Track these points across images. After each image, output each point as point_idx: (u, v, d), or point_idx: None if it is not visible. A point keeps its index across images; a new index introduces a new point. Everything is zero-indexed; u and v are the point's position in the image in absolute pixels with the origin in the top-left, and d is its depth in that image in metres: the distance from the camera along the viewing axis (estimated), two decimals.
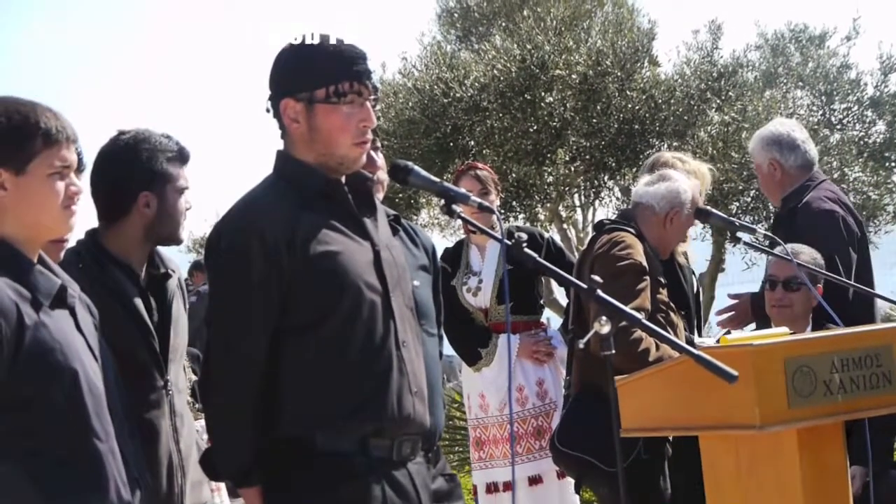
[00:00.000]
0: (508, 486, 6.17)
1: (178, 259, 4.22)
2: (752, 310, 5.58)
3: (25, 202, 2.90)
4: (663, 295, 4.94)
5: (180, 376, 3.73)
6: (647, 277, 4.82)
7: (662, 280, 4.97)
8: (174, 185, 3.74)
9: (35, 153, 2.89)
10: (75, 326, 2.94)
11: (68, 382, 2.84)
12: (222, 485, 5.90)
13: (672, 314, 4.96)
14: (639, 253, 4.86)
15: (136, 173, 3.69)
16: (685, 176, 5.23)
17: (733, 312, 5.69)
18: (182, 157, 3.78)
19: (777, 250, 5.05)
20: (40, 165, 2.90)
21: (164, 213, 3.71)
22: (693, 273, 5.69)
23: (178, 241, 3.80)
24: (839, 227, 5.61)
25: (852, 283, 5.29)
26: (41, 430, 2.81)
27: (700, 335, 5.53)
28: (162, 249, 3.84)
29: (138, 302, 3.64)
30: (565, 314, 5.71)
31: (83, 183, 3.23)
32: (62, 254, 3.30)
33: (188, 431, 3.71)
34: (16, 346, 2.78)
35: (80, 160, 3.32)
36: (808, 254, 5.16)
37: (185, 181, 3.76)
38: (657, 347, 4.66)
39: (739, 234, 5.12)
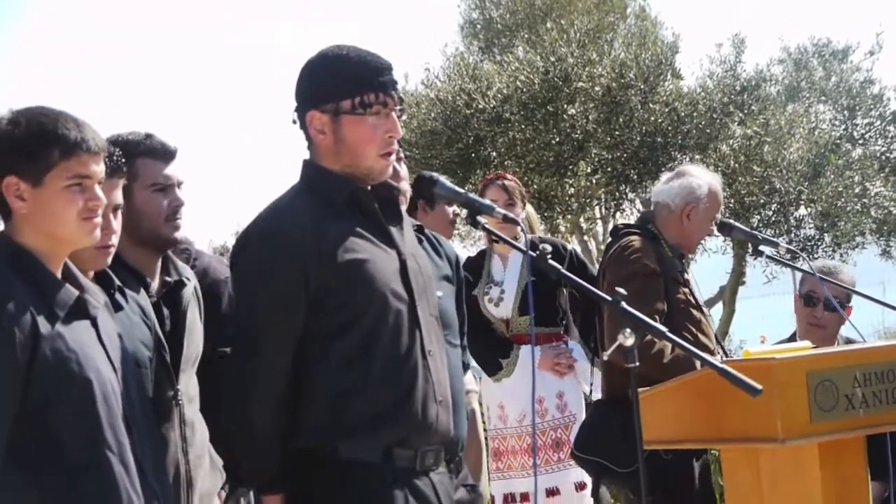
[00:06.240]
0: (526, 496, 6.16)
1: None
2: None
3: (42, 214, 2.91)
4: (683, 294, 4.92)
5: (191, 385, 3.67)
6: (659, 279, 4.81)
7: (681, 278, 4.96)
8: (144, 182, 3.64)
9: (51, 164, 2.90)
10: (97, 337, 2.95)
11: (82, 392, 2.84)
12: None
13: (694, 311, 4.93)
14: (647, 256, 4.85)
15: None
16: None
17: None
18: (154, 153, 3.66)
19: (801, 265, 5.05)
20: (56, 178, 2.90)
21: (133, 212, 3.58)
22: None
23: (169, 241, 3.68)
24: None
25: (886, 302, 5.24)
26: (53, 439, 2.81)
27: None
28: (176, 258, 3.80)
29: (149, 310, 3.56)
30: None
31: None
32: (109, 258, 3.28)
33: (199, 441, 3.64)
34: (31, 354, 2.79)
35: (118, 167, 3.31)
36: (847, 273, 5.16)
37: (164, 178, 3.66)
38: (672, 349, 4.64)
39: (761, 248, 5.10)
